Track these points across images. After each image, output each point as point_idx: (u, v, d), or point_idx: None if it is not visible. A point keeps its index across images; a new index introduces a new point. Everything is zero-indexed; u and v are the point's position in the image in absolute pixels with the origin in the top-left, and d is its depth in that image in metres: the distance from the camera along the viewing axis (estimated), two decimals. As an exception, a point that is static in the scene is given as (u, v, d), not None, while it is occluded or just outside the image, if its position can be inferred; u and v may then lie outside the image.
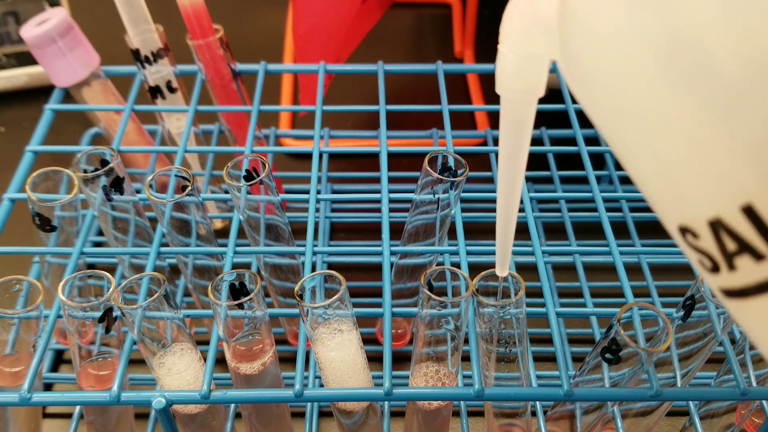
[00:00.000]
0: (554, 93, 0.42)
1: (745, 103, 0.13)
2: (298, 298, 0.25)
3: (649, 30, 0.14)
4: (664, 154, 0.14)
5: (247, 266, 0.39)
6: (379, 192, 0.33)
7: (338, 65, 0.43)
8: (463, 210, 0.37)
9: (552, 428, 0.31)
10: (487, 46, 0.62)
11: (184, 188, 0.30)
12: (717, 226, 0.14)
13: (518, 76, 0.19)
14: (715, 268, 0.15)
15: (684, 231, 0.15)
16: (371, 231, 0.48)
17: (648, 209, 0.47)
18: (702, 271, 0.15)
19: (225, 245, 0.32)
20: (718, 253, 0.14)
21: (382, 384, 0.26)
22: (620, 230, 0.42)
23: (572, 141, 0.37)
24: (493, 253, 0.33)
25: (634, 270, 0.42)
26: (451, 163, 0.30)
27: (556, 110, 0.39)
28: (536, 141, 0.48)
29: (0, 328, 0.27)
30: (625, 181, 0.48)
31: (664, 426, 0.38)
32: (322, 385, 0.28)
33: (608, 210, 0.34)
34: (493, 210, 0.46)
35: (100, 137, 0.50)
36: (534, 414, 0.34)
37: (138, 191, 0.33)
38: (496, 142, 0.49)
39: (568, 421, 0.30)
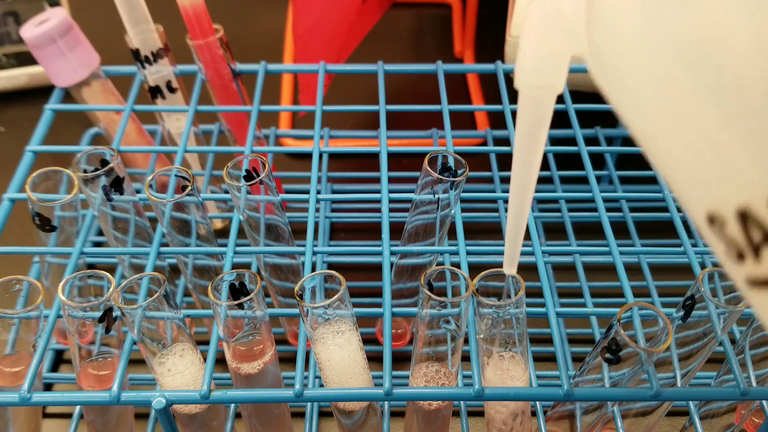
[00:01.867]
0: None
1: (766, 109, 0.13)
2: (298, 298, 0.25)
3: (670, 32, 0.14)
4: (690, 154, 0.15)
5: (247, 266, 0.39)
6: (379, 192, 0.33)
7: (338, 65, 0.43)
8: (463, 210, 0.37)
9: (552, 428, 0.31)
10: (487, 46, 0.62)
11: (184, 188, 0.30)
12: (745, 216, 0.14)
13: (538, 72, 0.19)
14: (741, 257, 0.15)
15: (711, 220, 0.15)
16: (371, 231, 0.48)
17: (648, 209, 0.47)
18: (727, 262, 0.15)
19: (225, 245, 0.32)
20: (744, 243, 0.15)
21: (382, 384, 0.26)
22: (620, 230, 0.42)
23: (572, 141, 0.37)
24: (492, 253, 0.33)
25: (634, 270, 0.42)
26: (451, 163, 0.30)
27: (556, 110, 0.39)
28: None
29: (0, 328, 0.27)
30: (625, 181, 0.48)
31: (664, 426, 0.38)
32: (322, 385, 0.28)
33: (608, 210, 0.34)
34: (494, 210, 0.47)
35: (100, 137, 0.50)
36: (534, 414, 0.34)
37: (138, 191, 0.33)
38: (496, 142, 0.49)
39: (568, 421, 0.30)
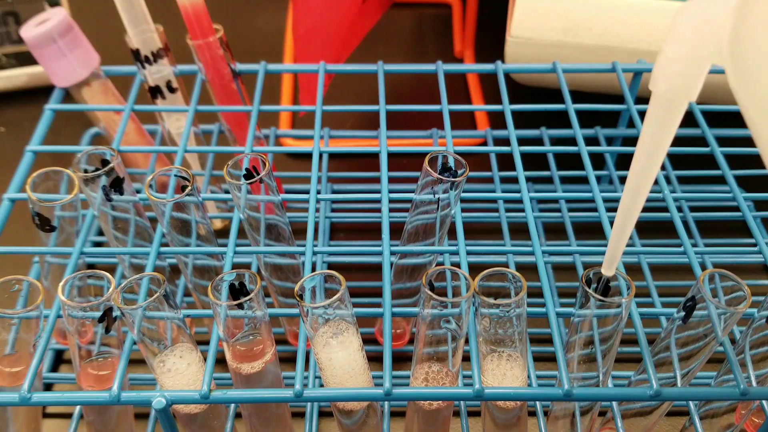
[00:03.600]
0: (554, 93, 0.42)
1: None
2: (298, 299, 0.25)
3: None
4: None
5: (247, 266, 0.39)
6: (379, 192, 0.33)
7: (338, 65, 0.43)
8: (463, 210, 0.37)
9: (552, 428, 0.31)
10: (487, 46, 0.62)
11: (184, 188, 0.30)
12: None
13: (677, 76, 0.20)
14: None
15: None
16: (371, 231, 0.48)
17: (648, 209, 0.47)
18: None
19: (225, 245, 0.32)
20: None
21: (382, 384, 0.26)
22: (620, 230, 0.42)
23: (572, 141, 0.37)
24: (492, 253, 0.33)
25: (634, 270, 0.42)
26: (451, 163, 0.30)
27: (556, 110, 0.39)
28: (536, 141, 0.48)
29: (0, 328, 0.27)
30: (625, 181, 0.48)
31: (664, 426, 0.38)
32: (322, 385, 0.28)
33: (608, 210, 0.34)
34: (494, 210, 0.47)
35: (100, 137, 0.50)
36: (534, 414, 0.34)
37: (138, 191, 0.33)
38: (496, 142, 0.49)
39: (569, 420, 0.30)
